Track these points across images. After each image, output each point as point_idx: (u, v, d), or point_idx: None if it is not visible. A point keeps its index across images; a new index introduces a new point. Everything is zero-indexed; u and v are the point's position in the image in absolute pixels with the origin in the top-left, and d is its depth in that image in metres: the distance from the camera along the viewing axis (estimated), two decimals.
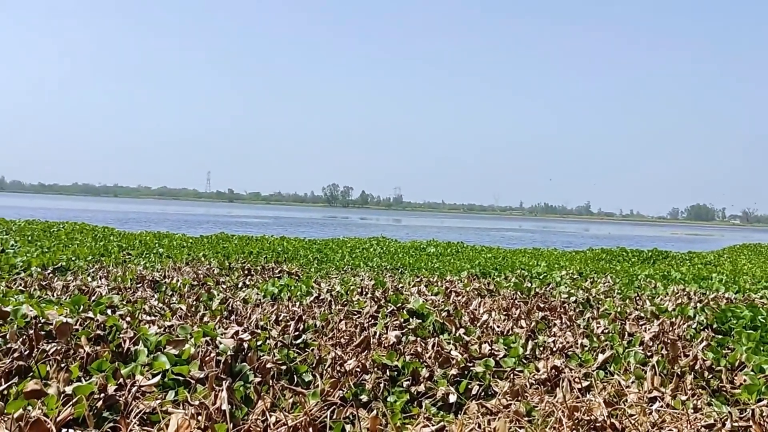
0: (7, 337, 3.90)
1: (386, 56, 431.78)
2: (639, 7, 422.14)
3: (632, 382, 4.20)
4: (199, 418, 3.01)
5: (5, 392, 3.19)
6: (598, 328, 5.80)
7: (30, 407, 2.88)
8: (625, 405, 3.72)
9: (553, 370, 4.28)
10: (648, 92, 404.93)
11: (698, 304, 7.15)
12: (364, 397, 3.80)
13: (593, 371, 4.46)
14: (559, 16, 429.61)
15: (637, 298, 8.10)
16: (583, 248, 24.09)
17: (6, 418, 2.70)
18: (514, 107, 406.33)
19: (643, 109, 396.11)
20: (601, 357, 4.67)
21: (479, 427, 3.35)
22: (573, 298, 7.63)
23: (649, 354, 4.90)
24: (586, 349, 5.07)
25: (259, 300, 6.79)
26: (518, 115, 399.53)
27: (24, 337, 3.95)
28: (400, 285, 8.46)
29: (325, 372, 4.15)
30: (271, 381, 3.83)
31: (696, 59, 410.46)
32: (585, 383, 4.15)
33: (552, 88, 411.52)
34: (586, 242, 39.20)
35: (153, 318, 5.23)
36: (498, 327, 5.75)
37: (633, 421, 3.49)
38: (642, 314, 6.60)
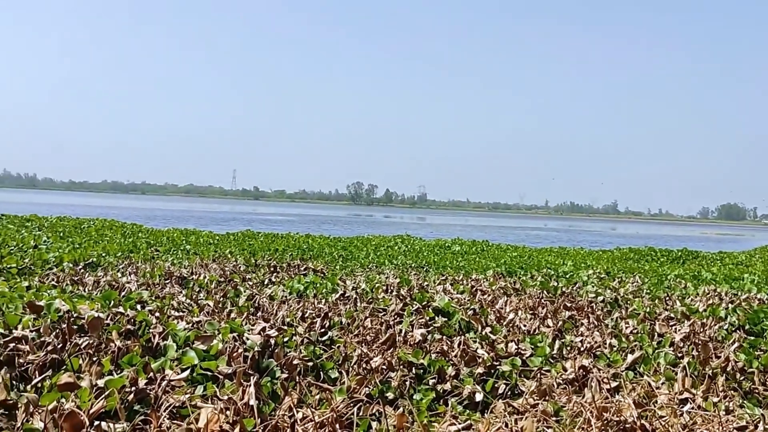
0: (41, 330, 3.98)
1: (407, 55, 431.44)
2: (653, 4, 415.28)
3: (662, 384, 4.14)
4: (228, 412, 3.04)
5: (39, 384, 3.27)
6: (626, 328, 5.72)
7: (63, 399, 2.94)
8: (655, 406, 3.67)
9: (581, 370, 4.24)
10: (676, 90, 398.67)
11: (730, 305, 7.02)
12: (390, 395, 3.80)
13: (622, 372, 4.40)
14: (571, 17, 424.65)
15: (667, 298, 7.98)
16: (610, 247, 23.79)
17: (40, 410, 2.76)
18: (543, 105, 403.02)
19: (674, 107, 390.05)
20: (630, 357, 4.61)
21: (506, 426, 3.33)
22: (600, 298, 7.54)
23: (679, 355, 4.82)
24: (615, 349, 5.00)
25: (285, 297, 6.83)
26: (547, 114, 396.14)
27: (57, 330, 4.04)
28: (425, 283, 8.45)
29: (351, 369, 4.16)
30: (297, 377, 3.85)
31: (726, 57, 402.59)
32: (614, 384, 4.09)
33: (581, 86, 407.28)
34: (613, 241, 38.70)
35: (181, 314, 5.30)
36: (524, 326, 5.70)
37: (663, 423, 3.43)
38: (672, 315, 6.49)
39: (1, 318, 4.12)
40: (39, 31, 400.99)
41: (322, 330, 5.03)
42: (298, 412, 3.23)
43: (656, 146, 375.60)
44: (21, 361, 3.54)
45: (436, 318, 5.70)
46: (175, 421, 3.04)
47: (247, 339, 4.25)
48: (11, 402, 2.89)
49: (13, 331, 3.90)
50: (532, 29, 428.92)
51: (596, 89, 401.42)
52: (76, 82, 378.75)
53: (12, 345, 3.65)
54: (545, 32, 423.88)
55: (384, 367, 4.11)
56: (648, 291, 8.81)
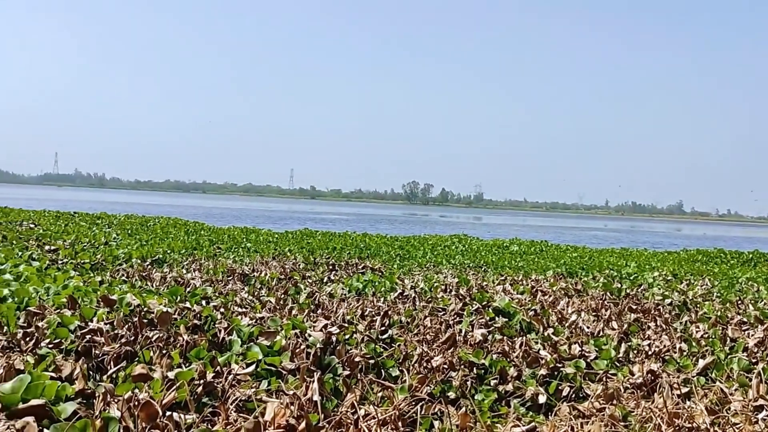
0: (115, 323, 4.15)
1: (465, 56, 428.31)
2: None
3: (736, 390, 3.96)
4: (292, 407, 3.09)
5: (114, 375, 3.40)
6: (697, 332, 5.51)
7: (137, 390, 3.05)
8: (728, 413, 3.51)
9: (650, 375, 4.10)
10: (743, 89, 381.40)
11: None
12: (451, 394, 3.77)
13: (693, 377, 4.24)
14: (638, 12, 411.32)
15: (739, 302, 7.64)
16: (675, 249, 22.95)
17: (117, 399, 2.87)
18: (603, 105, 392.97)
19: (740, 105, 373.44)
20: (701, 362, 4.43)
21: (572, 430, 3.26)
22: (668, 301, 7.29)
23: (753, 361, 4.61)
24: (685, 354, 4.82)
25: (345, 295, 6.90)
26: (607, 113, 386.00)
27: (129, 324, 4.20)
28: (484, 283, 8.36)
29: (411, 368, 4.16)
30: (359, 374, 3.88)
31: None
32: (684, 389, 3.95)
33: (643, 85, 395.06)
34: (678, 243, 37.32)
35: (244, 310, 5.43)
36: (587, 328, 5.57)
37: (737, 430, 3.29)
38: (745, 319, 6.21)
39: (78, 311, 4.31)
40: (100, 35, 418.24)
41: (382, 328, 5.05)
42: (360, 409, 3.25)
43: (725, 145, 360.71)
44: (96, 352, 3.70)
45: (497, 318, 5.64)
46: (242, 414, 3.10)
47: (309, 335, 4.30)
48: (89, 391, 3.02)
49: (89, 323, 4.08)
50: (589, 24, 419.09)
51: (658, 87, 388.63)
52: (137, 84, 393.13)
53: (88, 336, 3.81)
54: (601, 30, 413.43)
55: (445, 366, 4.09)
56: (718, 294, 8.46)
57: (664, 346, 4.94)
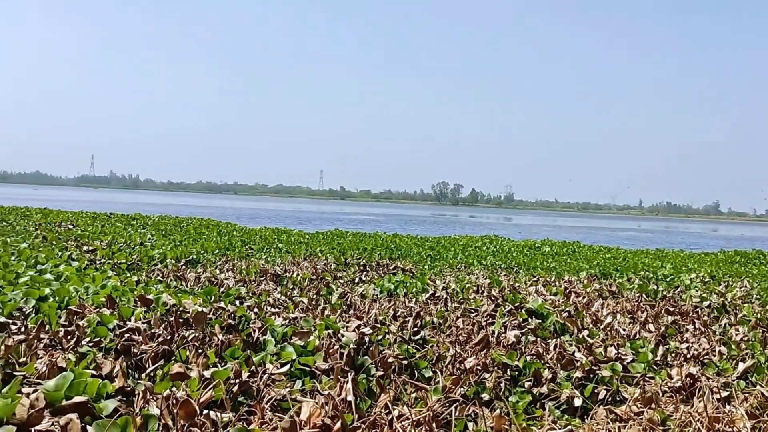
0: (152, 323, 4.22)
1: (492, 56, 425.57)
2: None
3: None
4: (326, 407, 3.10)
5: (152, 373, 3.46)
6: (736, 335, 5.39)
7: (175, 388, 3.10)
8: None
9: (688, 378, 4.02)
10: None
11: None
12: (485, 396, 3.75)
13: (733, 381, 4.14)
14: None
15: None
16: (712, 250, 22.43)
17: (156, 397, 2.92)
18: (635, 104, 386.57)
19: None
20: (741, 366, 4.33)
21: None
22: (706, 303, 7.13)
23: None
24: (724, 357, 4.72)
25: (376, 295, 6.90)
26: (633, 112, 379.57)
27: (165, 323, 4.27)
28: (516, 284, 8.29)
29: (444, 369, 4.14)
30: (392, 375, 3.88)
31: None
32: (724, 393, 3.86)
33: (678, 84, 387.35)
34: (714, 243, 36.44)
35: (277, 310, 5.47)
36: (623, 330, 5.48)
37: None
38: None
39: (117, 310, 4.40)
40: (131, 38, 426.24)
41: (415, 329, 5.04)
42: (394, 409, 3.25)
43: (764, 144, 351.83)
44: (135, 350, 3.77)
45: (530, 320, 5.58)
46: (277, 414, 3.13)
47: (342, 336, 4.32)
48: (129, 389, 3.08)
49: (127, 322, 4.16)
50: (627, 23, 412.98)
51: (692, 86, 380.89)
52: (171, 87, 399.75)
53: (127, 335, 3.89)
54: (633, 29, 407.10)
55: (478, 367, 4.07)
56: (758, 296, 8.25)
57: (703, 349, 4.84)
